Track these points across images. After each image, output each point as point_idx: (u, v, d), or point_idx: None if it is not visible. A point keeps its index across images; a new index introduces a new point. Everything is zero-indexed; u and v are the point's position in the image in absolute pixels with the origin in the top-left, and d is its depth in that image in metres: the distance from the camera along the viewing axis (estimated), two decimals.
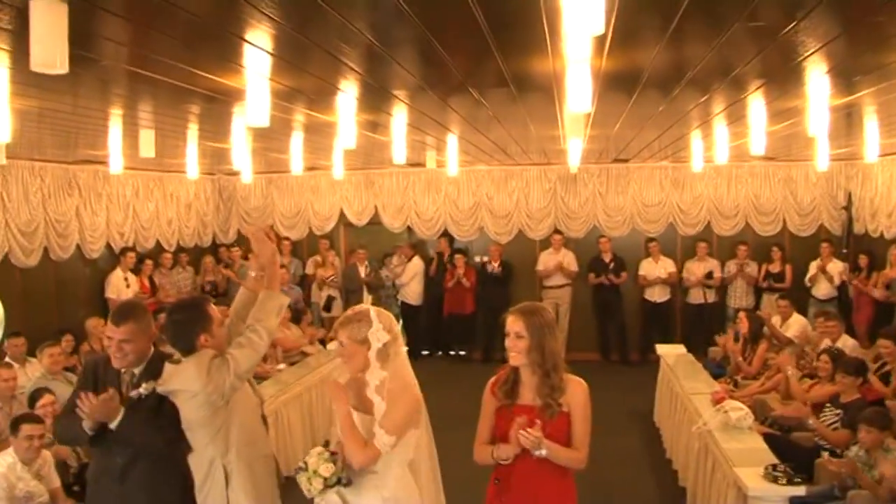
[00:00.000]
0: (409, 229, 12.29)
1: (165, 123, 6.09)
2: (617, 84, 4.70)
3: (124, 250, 9.89)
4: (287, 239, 11.92)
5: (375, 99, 5.22)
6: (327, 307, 11.58)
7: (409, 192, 12.14)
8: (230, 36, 3.32)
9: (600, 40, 3.37)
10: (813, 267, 10.53)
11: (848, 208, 10.87)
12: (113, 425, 3.36)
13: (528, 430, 3.10)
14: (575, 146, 8.08)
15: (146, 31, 3.25)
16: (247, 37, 3.33)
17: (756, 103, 5.47)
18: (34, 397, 5.56)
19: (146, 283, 10.10)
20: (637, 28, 3.38)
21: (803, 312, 9.19)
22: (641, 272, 11.40)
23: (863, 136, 7.43)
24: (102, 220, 9.72)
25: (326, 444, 3.22)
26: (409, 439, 3.22)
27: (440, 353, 12.16)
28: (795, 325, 8.34)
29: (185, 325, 3.46)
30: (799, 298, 9.69)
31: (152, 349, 3.60)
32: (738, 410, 5.57)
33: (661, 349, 8.88)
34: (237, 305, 3.73)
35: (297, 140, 7.61)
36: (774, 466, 4.62)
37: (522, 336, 3.22)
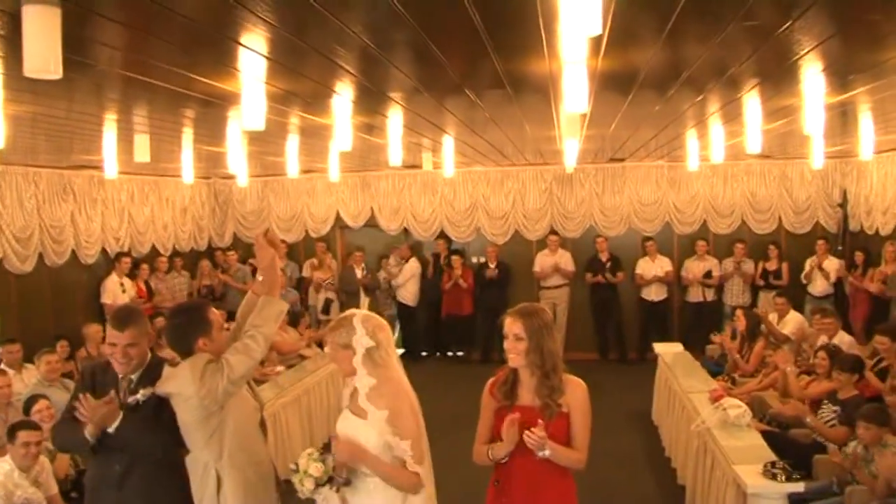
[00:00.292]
0: (406, 231, 12.29)
1: (161, 128, 6.08)
2: (613, 84, 4.70)
3: (119, 255, 9.86)
4: (283, 242, 11.91)
5: (371, 101, 5.21)
6: (325, 310, 11.57)
7: (406, 194, 12.14)
8: (226, 40, 3.31)
9: (597, 41, 3.37)
10: (808, 264, 10.56)
11: (843, 205, 10.91)
12: (111, 429, 3.35)
13: (533, 429, 3.09)
14: (571, 146, 8.08)
15: (141, 35, 3.24)
16: (242, 40, 3.32)
17: (752, 102, 5.48)
18: (29, 404, 5.54)
19: (143, 287, 10.08)
20: (634, 28, 3.38)
21: (800, 310, 9.22)
22: (638, 271, 11.41)
23: (858, 134, 7.44)
24: (98, 226, 9.69)
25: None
26: None
27: (438, 354, 12.16)
28: (792, 322, 8.36)
29: (184, 329, 3.46)
30: (795, 296, 9.72)
31: (149, 354, 3.60)
32: (737, 408, 5.58)
33: (659, 348, 8.88)
34: (244, 309, 3.71)
35: (292, 143, 7.60)
36: (773, 463, 4.63)
37: (521, 338, 3.21)
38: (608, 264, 11.42)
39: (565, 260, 11.55)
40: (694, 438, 5.82)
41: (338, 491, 3.19)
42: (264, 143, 7.56)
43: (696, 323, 11.07)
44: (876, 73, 4.42)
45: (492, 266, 11.62)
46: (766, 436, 5.42)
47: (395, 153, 7.74)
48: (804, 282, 10.59)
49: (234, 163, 8.65)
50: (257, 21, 3.01)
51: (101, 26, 3.02)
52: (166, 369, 3.42)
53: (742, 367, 7.70)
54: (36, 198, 8.63)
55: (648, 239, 11.53)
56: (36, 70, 2.63)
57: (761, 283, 10.94)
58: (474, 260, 12.07)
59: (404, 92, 4.95)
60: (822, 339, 7.20)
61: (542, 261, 11.58)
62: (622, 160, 11.27)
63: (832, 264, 10.39)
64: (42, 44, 2.59)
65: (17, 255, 8.34)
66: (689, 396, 6.46)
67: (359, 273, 11.79)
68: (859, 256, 9.98)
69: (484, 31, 3.31)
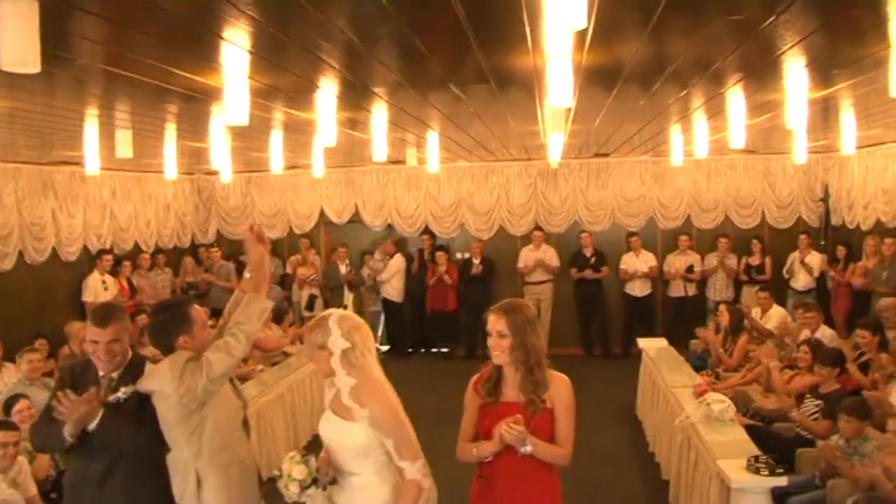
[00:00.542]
0: (390, 227, 12.26)
1: (143, 123, 6.02)
2: (598, 79, 4.71)
3: (100, 252, 9.76)
4: (267, 238, 11.81)
5: (355, 96, 5.19)
6: (309, 306, 11.52)
7: (390, 190, 12.11)
8: (208, 34, 3.27)
9: (581, 35, 3.37)
10: (791, 259, 10.64)
11: (825, 200, 10.98)
12: (91, 427, 3.31)
13: (511, 424, 3.08)
14: (555, 141, 8.08)
15: (122, 29, 3.20)
16: (225, 35, 3.29)
17: (735, 97, 5.50)
18: (9, 404, 5.47)
19: (125, 285, 9.98)
20: (618, 22, 3.38)
21: (782, 304, 9.28)
22: (622, 266, 11.44)
23: (840, 129, 7.49)
24: (79, 222, 9.58)
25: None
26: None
27: (423, 350, 12.15)
28: (775, 316, 8.41)
29: (166, 326, 3.43)
30: (778, 290, 9.80)
31: (131, 352, 3.56)
32: (720, 403, 5.60)
33: (643, 343, 8.91)
34: (231, 307, 3.67)
35: (276, 138, 7.55)
36: (756, 458, 4.65)
37: (505, 335, 3.20)
38: (592, 259, 11.44)
39: (549, 255, 11.57)
40: (678, 433, 5.84)
41: (324, 489, 3.18)
42: (248, 139, 7.50)
43: (678, 318, 11.10)
44: (858, 68, 4.45)
45: (476, 262, 11.62)
46: (750, 430, 5.45)
47: (380, 149, 7.72)
48: (787, 276, 10.66)
49: (218, 158, 8.57)
50: (240, 15, 2.98)
51: (81, 19, 2.98)
52: (148, 367, 3.40)
53: (726, 361, 7.74)
54: (16, 194, 8.51)
55: (633, 234, 11.56)
56: (13, 64, 2.59)
57: (744, 277, 11.00)
58: (459, 256, 12.06)
59: (388, 87, 4.93)
60: (805, 334, 7.25)
61: (527, 256, 11.59)
62: (607, 155, 11.29)
63: (815, 259, 10.47)
64: (20, 37, 2.55)
65: None
66: (673, 391, 6.48)
67: (343, 269, 11.75)
68: (841, 251, 10.06)
69: (468, 26, 3.30)
